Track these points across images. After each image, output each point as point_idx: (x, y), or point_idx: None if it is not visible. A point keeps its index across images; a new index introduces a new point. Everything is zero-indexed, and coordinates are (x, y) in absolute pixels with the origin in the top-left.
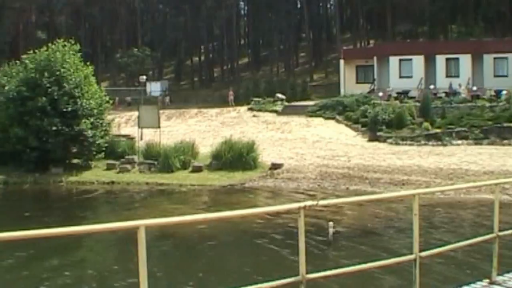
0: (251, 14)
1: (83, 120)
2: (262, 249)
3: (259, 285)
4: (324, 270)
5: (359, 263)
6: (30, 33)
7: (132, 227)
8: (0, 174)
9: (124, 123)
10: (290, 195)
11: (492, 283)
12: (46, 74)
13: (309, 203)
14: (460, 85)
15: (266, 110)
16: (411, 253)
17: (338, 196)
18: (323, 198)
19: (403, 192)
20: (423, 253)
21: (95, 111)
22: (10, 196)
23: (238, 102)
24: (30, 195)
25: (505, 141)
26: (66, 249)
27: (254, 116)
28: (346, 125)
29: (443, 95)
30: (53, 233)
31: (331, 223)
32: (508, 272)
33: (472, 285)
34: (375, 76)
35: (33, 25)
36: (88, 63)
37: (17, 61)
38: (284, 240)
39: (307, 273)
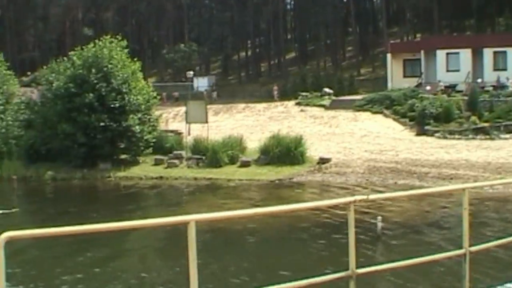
0: (297, 8)
1: (131, 116)
2: (311, 244)
3: (309, 280)
4: (374, 264)
5: (409, 258)
6: (77, 30)
7: (182, 222)
8: (48, 170)
9: (171, 119)
10: (338, 190)
11: None
12: (93, 70)
13: (359, 197)
14: (508, 79)
15: (314, 105)
16: (461, 248)
17: (386, 191)
18: (373, 192)
19: (452, 186)
20: (473, 248)
21: (143, 106)
22: (59, 192)
23: (285, 96)
24: (78, 190)
25: None
26: (116, 244)
27: (301, 110)
28: (394, 119)
29: (490, 88)
30: (105, 228)
31: (379, 218)
32: None
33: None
34: (422, 70)
35: (80, 22)
36: (135, 59)
37: (64, 58)
38: (333, 234)
39: (356, 267)
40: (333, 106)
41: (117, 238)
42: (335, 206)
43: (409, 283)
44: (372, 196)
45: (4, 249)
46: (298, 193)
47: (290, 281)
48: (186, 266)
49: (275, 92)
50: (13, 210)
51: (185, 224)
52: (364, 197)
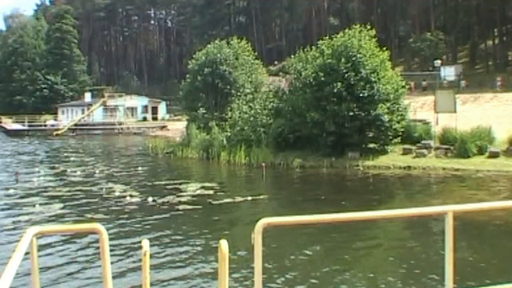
0: None
1: (380, 105)
2: None
3: None
4: None
5: None
6: (322, 19)
7: (440, 212)
8: (296, 157)
9: (419, 108)
10: None
11: None
12: (342, 59)
13: None
14: None
15: None
16: None
17: None
18: None
19: None
20: None
21: (391, 96)
22: (307, 179)
23: None
24: (326, 178)
25: None
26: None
27: None
28: None
29: None
30: (360, 217)
31: None
32: None
33: None
34: None
35: (325, 12)
36: (383, 48)
37: (311, 47)
38: None
39: None
40: None
41: (362, 227)
42: None
43: None
44: None
45: (262, 235)
46: None
47: None
48: (442, 256)
49: (498, 83)
50: (261, 196)
51: (443, 215)
52: None
